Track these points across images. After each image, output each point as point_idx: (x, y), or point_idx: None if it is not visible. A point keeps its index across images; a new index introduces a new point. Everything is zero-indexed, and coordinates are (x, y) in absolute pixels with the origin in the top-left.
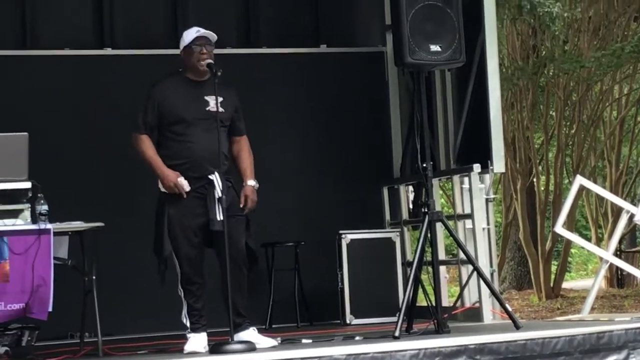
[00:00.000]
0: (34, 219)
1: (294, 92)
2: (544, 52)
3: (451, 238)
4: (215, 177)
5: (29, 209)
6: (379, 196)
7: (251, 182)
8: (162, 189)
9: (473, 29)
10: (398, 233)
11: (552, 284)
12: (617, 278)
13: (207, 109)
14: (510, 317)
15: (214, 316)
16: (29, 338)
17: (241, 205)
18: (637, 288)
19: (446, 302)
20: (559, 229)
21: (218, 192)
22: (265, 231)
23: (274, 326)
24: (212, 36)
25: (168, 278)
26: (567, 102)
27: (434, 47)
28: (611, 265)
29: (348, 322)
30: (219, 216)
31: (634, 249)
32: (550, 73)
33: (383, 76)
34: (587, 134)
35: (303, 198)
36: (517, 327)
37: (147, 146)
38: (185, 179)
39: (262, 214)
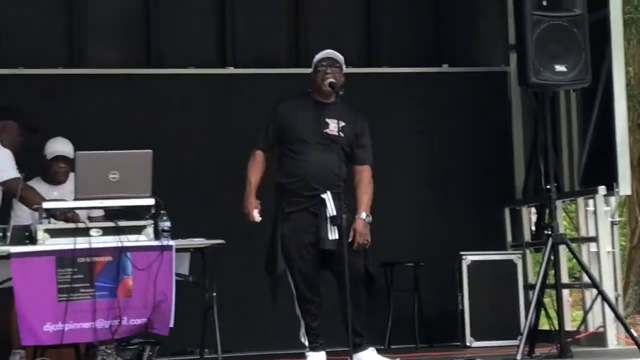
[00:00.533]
0: (157, 235)
1: (415, 111)
2: None
3: (574, 260)
4: (328, 197)
5: (152, 226)
6: (500, 217)
7: (362, 215)
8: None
9: (599, 49)
10: (520, 255)
11: None
12: None
13: (326, 130)
14: (636, 342)
15: (333, 336)
16: (150, 353)
17: (349, 240)
18: None
19: (569, 326)
20: None
21: (330, 211)
22: (384, 250)
23: (392, 347)
24: (337, 57)
25: (283, 297)
26: None
27: (560, 67)
28: None
29: (468, 344)
30: (331, 235)
31: None
32: None
33: (505, 96)
34: None
35: (423, 218)
36: None
37: (254, 164)
38: (297, 197)
39: (382, 233)
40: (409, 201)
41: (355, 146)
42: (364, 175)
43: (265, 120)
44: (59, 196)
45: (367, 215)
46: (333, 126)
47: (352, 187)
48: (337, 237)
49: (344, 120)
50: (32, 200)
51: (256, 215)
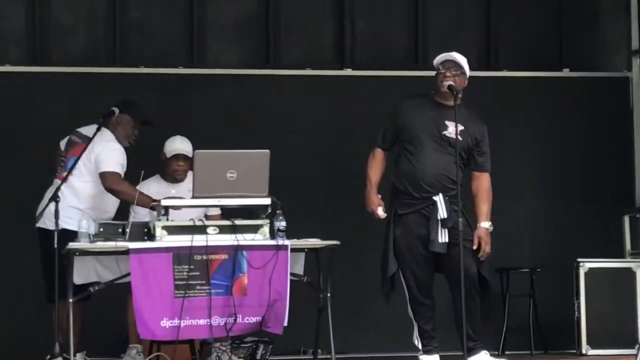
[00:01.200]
0: (273, 234)
1: (534, 117)
2: None
3: None
4: (439, 199)
5: (268, 225)
6: (619, 225)
7: (485, 225)
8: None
9: None
10: (639, 264)
11: None
12: None
13: (444, 133)
14: None
15: (447, 339)
16: (264, 351)
17: (474, 247)
18: None
19: None
20: None
21: (441, 214)
22: (500, 256)
23: (507, 352)
24: (458, 59)
25: (401, 298)
26: None
27: None
28: None
29: (584, 352)
30: (441, 238)
31: None
32: None
33: (627, 102)
34: None
35: (541, 223)
36: None
37: (373, 162)
38: (410, 198)
39: (498, 238)
40: (525, 206)
41: (475, 152)
42: (483, 182)
43: (386, 118)
44: (177, 194)
45: (490, 225)
46: (452, 129)
47: (469, 194)
48: (447, 240)
49: (464, 124)
50: (130, 195)
51: (381, 213)
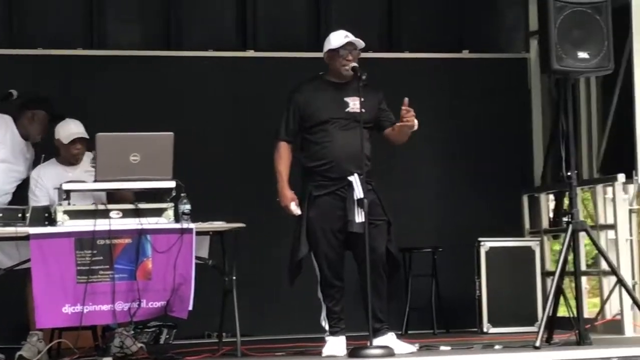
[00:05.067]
0: (177, 218)
1: (434, 98)
2: None
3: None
4: (355, 179)
5: (173, 208)
6: (518, 204)
7: None
8: (303, 192)
9: (620, 36)
10: (538, 242)
11: None
12: None
13: (347, 110)
14: None
15: (354, 320)
16: (167, 336)
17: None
18: None
19: (586, 313)
20: None
21: (357, 194)
22: (402, 236)
23: (410, 332)
24: (360, 44)
25: (306, 280)
26: None
27: (582, 54)
28: None
29: (485, 330)
30: (358, 218)
31: None
32: None
33: (525, 83)
34: None
35: (442, 204)
36: None
37: (281, 157)
38: (325, 180)
39: (400, 219)
40: (427, 187)
41: (381, 116)
42: None
43: (284, 107)
44: (74, 177)
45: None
46: (353, 104)
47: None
48: (364, 219)
49: (363, 95)
50: None
51: (295, 208)
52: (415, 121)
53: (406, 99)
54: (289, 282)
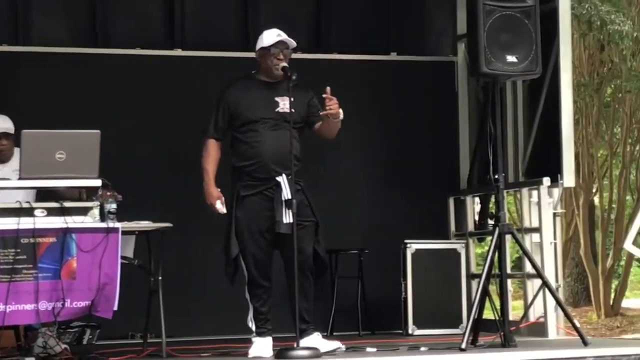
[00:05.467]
0: (103, 217)
1: (362, 99)
2: (609, 68)
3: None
4: (283, 180)
5: (98, 207)
6: (444, 207)
7: None
8: (232, 192)
9: (547, 41)
10: (463, 244)
11: (611, 302)
12: None
13: (277, 110)
14: (579, 333)
15: (280, 321)
16: (91, 336)
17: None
18: None
19: (510, 316)
20: (629, 245)
21: (285, 195)
22: (329, 238)
23: (335, 333)
24: (292, 43)
25: (237, 280)
26: (631, 119)
27: (510, 58)
28: None
29: (410, 332)
30: (285, 219)
31: None
32: (610, 90)
33: (453, 86)
34: None
35: (369, 206)
36: (585, 343)
37: (208, 154)
38: (253, 180)
39: (327, 220)
40: (355, 189)
41: (311, 113)
42: None
43: (214, 105)
44: (2, 175)
45: None
46: (283, 104)
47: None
48: (291, 220)
49: (292, 95)
50: None
51: (221, 207)
52: (340, 110)
53: (328, 88)
54: (229, 282)
